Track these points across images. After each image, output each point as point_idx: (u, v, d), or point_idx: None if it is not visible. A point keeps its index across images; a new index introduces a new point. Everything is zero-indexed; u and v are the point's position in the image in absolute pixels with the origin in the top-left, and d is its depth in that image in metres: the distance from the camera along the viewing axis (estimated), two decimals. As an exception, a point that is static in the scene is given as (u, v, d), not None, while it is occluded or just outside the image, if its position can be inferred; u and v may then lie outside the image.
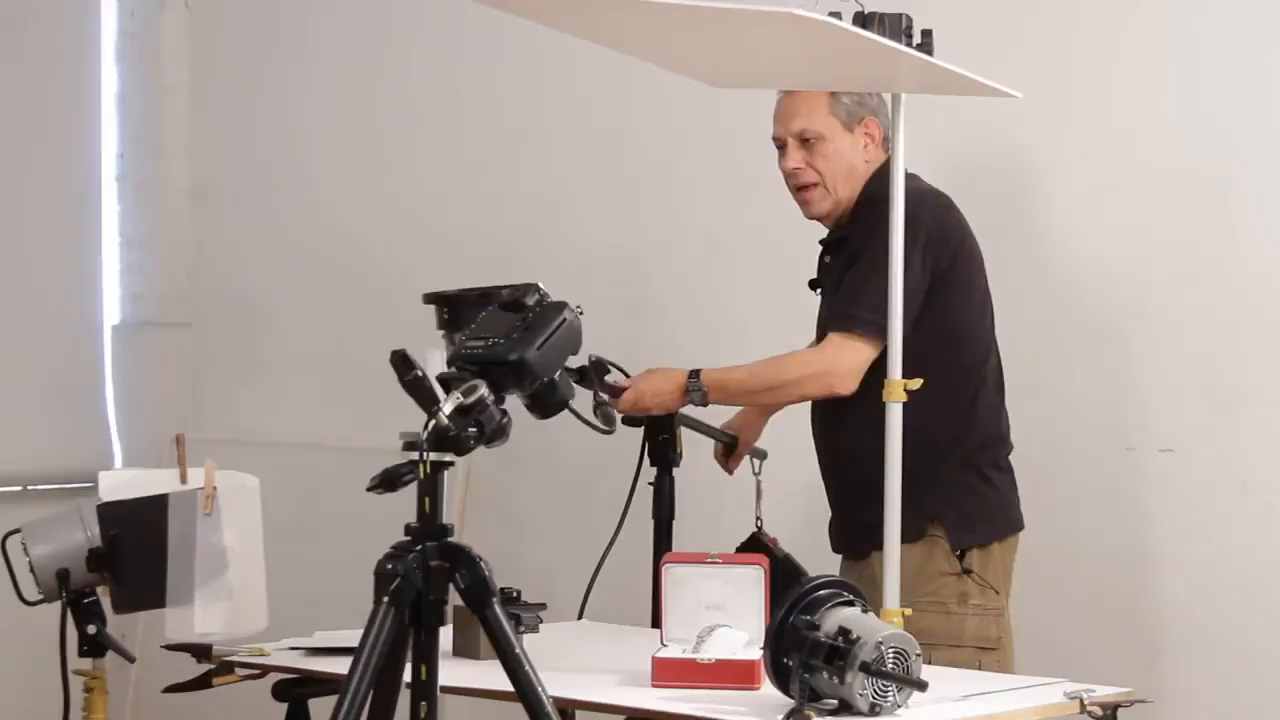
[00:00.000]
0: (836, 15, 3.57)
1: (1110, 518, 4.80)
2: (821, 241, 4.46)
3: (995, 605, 4.25)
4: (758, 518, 4.48)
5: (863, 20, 3.67)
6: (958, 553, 4.22)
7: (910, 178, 4.12)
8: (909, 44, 3.71)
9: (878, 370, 4.03)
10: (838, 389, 4.17)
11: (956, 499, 4.26)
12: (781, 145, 4.36)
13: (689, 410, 4.42)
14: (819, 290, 4.46)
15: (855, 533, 4.25)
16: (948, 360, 4.25)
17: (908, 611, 3.80)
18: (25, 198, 6.24)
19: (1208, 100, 4.76)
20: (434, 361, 3.16)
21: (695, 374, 4.28)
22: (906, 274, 3.97)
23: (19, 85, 6.23)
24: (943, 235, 4.25)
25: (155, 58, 6.51)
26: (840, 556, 4.43)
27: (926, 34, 3.76)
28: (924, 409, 4.13)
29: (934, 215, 4.24)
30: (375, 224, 6.18)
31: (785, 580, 4.36)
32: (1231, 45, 4.73)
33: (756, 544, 4.43)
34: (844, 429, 4.25)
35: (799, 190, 4.36)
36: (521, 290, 3.17)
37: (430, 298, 4.21)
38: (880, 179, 4.28)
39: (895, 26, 3.69)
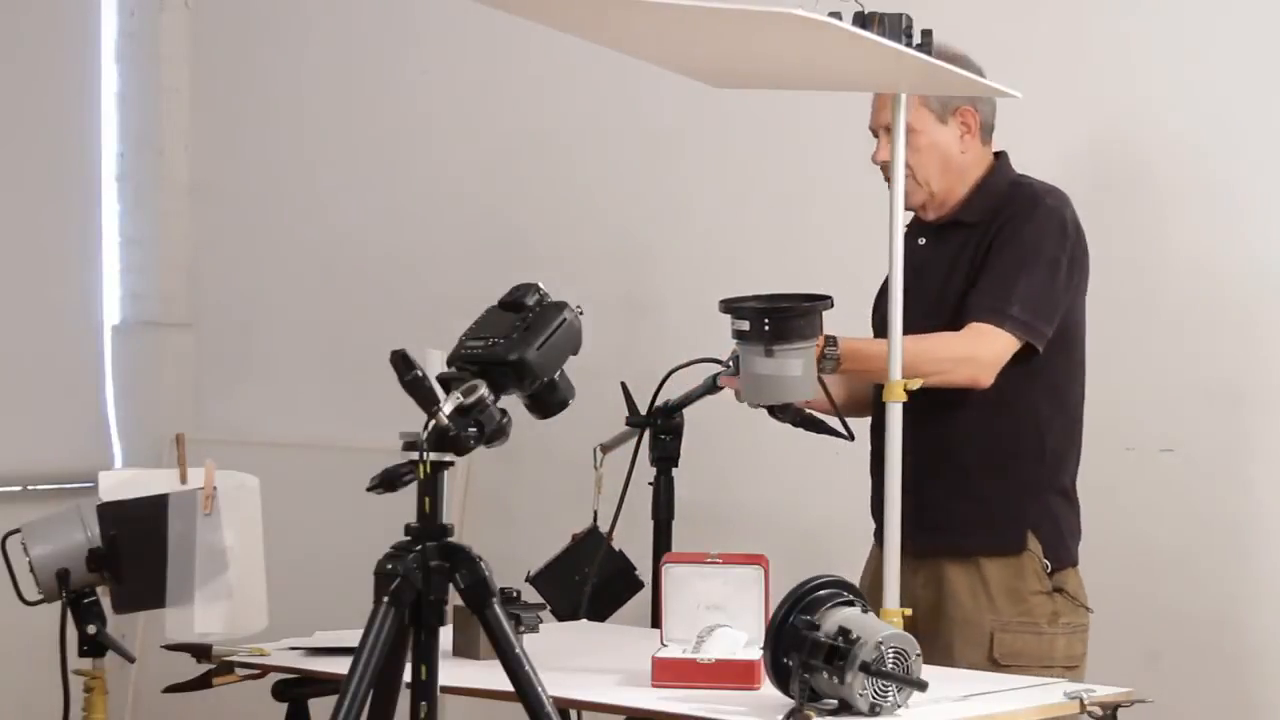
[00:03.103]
0: (836, 15, 3.57)
1: (1110, 518, 4.80)
2: (910, 226, 4.24)
3: (1083, 622, 4.12)
4: (595, 511, 4.46)
5: (863, 20, 3.67)
6: (1048, 569, 4.09)
7: (1027, 177, 4.16)
8: (909, 44, 3.70)
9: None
10: (981, 380, 4.00)
11: (1055, 510, 4.14)
12: (876, 135, 4.18)
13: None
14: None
15: (927, 527, 4.02)
16: (1066, 362, 4.14)
17: (907, 611, 3.75)
18: (25, 198, 6.24)
19: (1208, 100, 4.76)
20: (434, 361, 3.16)
21: (832, 340, 3.95)
22: (1057, 273, 3.99)
23: (19, 85, 6.24)
24: (1080, 234, 4.14)
25: (155, 58, 6.52)
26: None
27: (926, 34, 3.75)
28: (1041, 412, 4.10)
29: (1074, 214, 4.13)
30: (375, 224, 6.18)
31: (617, 573, 4.40)
32: (1232, 44, 4.73)
33: (594, 536, 4.44)
34: (948, 423, 4.06)
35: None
36: (521, 290, 3.17)
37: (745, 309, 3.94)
38: (1006, 169, 4.20)
39: (895, 26, 3.68)
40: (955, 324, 4.05)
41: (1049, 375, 4.09)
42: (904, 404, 3.80)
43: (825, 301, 3.89)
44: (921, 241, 4.22)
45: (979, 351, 4.01)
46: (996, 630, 4.04)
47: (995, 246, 4.10)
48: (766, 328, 3.81)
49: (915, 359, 3.86)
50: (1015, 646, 4.03)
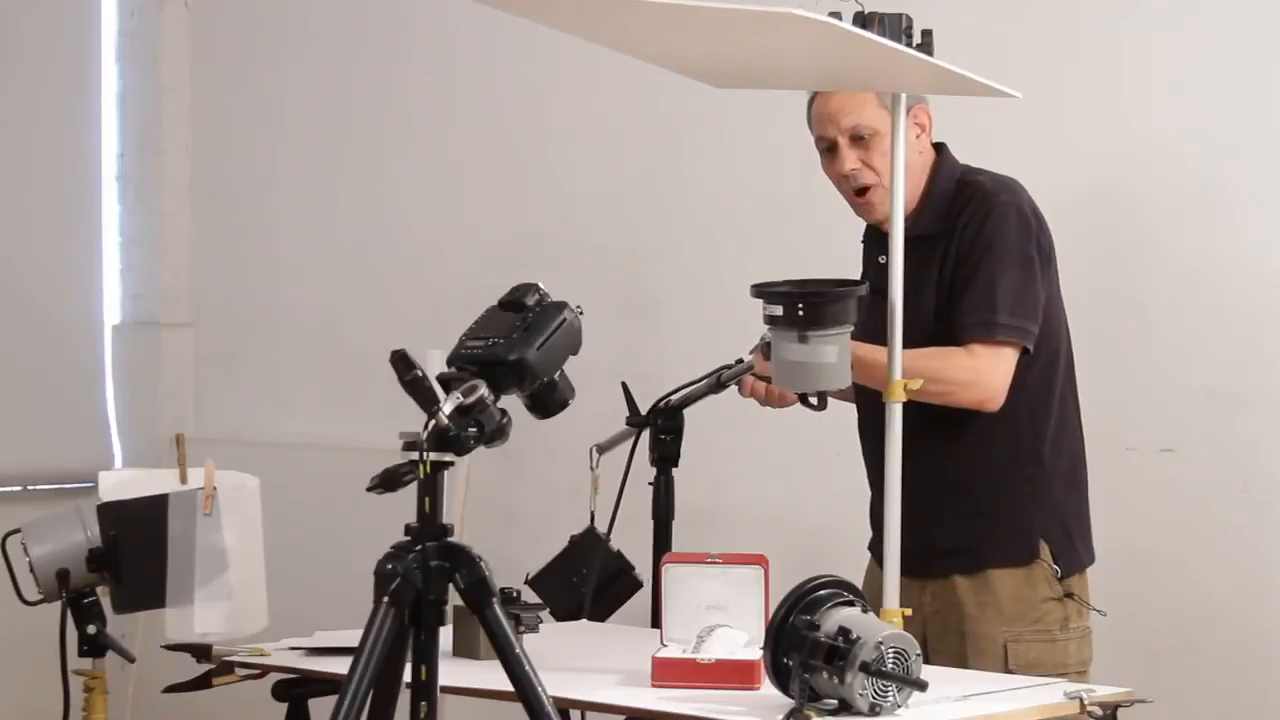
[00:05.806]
0: (836, 15, 3.56)
1: (1110, 518, 4.80)
2: (870, 238, 4.19)
3: (1089, 625, 4.08)
4: (592, 511, 4.45)
5: (863, 20, 3.66)
6: (1058, 575, 4.02)
7: (972, 170, 4.08)
8: (909, 44, 3.70)
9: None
10: (989, 404, 3.92)
11: (1063, 517, 4.07)
12: (830, 147, 4.06)
13: None
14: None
15: (941, 552, 4.02)
16: (1050, 357, 4.05)
17: (907, 611, 3.71)
18: (25, 198, 6.25)
19: (1207, 100, 4.76)
20: (434, 361, 3.16)
21: None
22: (1030, 269, 3.91)
23: (19, 85, 6.24)
24: (1041, 221, 4.06)
25: (155, 58, 6.52)
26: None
27: (926, 34, 3.75)
28: (1034, 413, 4.02)
29: (1030, 202, 4.05)
30: (374, 224, 6.18)
31: (616, 574, 4.39)
32: (1232, 44, 4.73)
33: (592, 537, 4.43)
34: (945, 440, 3.98)
35: (858, 194, 4.05)
36: (521, 290, 3.17)
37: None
38: (950, 164, 4.10)
39: (895, 26, 3.68)
40: (928, 342, 3.94)
41: (1036, 374, 4.02)
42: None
43: (861, 286, 3.75)
44: (883, 260, 4.01)
45: (988, 375, 3.93)
46: (1009, 641, 3.98)
47: (963, 258, 3.99)
48: (800, 313, 3.65)
49: (924, 375, 3.75)
50: (1030, 656, 3.97)
